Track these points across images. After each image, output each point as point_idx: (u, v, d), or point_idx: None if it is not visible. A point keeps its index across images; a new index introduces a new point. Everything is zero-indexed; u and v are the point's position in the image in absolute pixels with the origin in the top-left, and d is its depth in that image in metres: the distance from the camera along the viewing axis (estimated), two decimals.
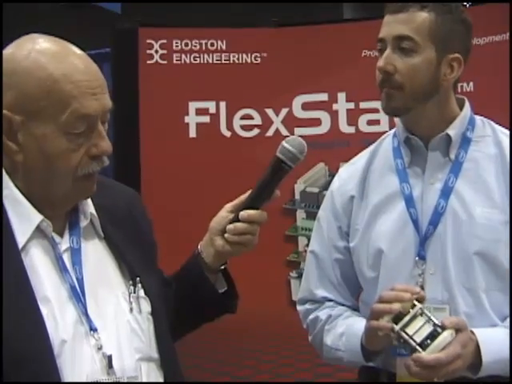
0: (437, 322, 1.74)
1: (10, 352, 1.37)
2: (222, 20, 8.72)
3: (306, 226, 6.64)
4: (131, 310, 1.57)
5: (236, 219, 1.68)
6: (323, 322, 2.06)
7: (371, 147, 2.12)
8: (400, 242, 1.94)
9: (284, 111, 6.74)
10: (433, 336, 1.72)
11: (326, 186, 6.80)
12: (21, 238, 1.47)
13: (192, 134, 6.77)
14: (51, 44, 1.48)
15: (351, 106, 6.65)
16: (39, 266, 1.48)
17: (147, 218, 1.77)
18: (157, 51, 6.79)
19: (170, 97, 6.68)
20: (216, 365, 5.79)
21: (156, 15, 9.91)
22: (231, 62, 6.84)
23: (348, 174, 2.10)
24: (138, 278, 1.60)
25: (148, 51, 6.79)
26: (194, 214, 6.20)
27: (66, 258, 1.52)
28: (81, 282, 1.51)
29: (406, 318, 1.74)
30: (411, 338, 1.72)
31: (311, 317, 2.10)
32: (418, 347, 1.71)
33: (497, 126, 2.02)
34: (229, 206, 1.73)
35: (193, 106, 6.76)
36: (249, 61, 6.84)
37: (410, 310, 1.74)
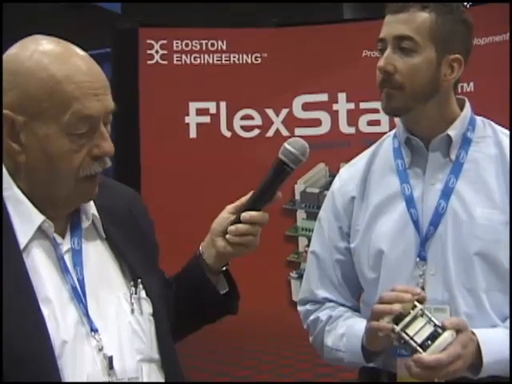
0: (437, 322, 1.74)
1: (10, 352, 1.37)
2: (222, 20, 8.72)
3: (307, 226, 6.65)
4: (132, 311, 1.57)
5: (237, 220, 1.68)
6: (324, 322, 2.06)
7: (372, 148, 2.11)
8: (400, 242, 1.94)
9: (284, 111, 6.75)
10: (433, 337, 1.72)
11: (327, 187, 6.82)
12: (22, 238, 1.47)
13: (192, 134, 6.78)
14: (54, 45, 1.48)
15: (351, 106, 6.66)
16: (40, 266, 1.48)
17: (148, 218, 1.77)
18: (157, 51, 6.79)
19: (170, 97, 6.68)
20: (216, 365, 5.80)
21: (156, 15, 9.92)
22: (231, 62, 6.84)
23: (349, 174, 2.10)
24: (139, 279, 1.60)
25: (148, 51, 6.79)
26: (194, 214, 6.22)
27: (68, 258, 1.52)
28: (82, 282, 1.51)
29: (407, 319, 1.74)
30: (412, 338, 1.72)
31: (312, 317, 2.10)
32: (418, 348, 1.71)
33: (497, 127, 2.02)
34: (230, 207, 1.73)
35: (193, 106, 6.77)
36: (249, 61, 6.84)
37: (411, 311, 1.74)
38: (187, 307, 1.76)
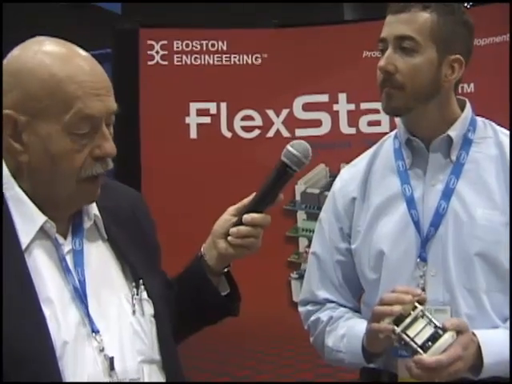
0: (438, 323, 1.74)
1: (11, 352, 1.38)
2: (222, 21, 8.72)
3: (307, 226, 6.64)
4: (134, 312, 1.57)
5: (239, 222, 1.68)
6: (324, 323, 2.06)
7: (372, 149, 2.12)
8: (401, 243, 1.94)
9: (285, 112, 6.74)
10: (434, 338, 1.72)
11: (327, 187, 6.81)
12: (24, 238, 1.47)
13: (193, 134, 6.77)
14: (57, 46, 1.49)
15: (352, 106, 6.64)
16: (42, 267, 1.48)
17: (150, 219, 1.77)
18: (157, 52, 6.78)
19: (170, 97, 6.67)
20: (217, 366, 5.80)
21: (156, 16, 9.92)
22: (232, 62, 6.83)
23: (349, 175, 2.10)
24: (140, 280, 1.60)
25: (149, 52, 6.78)
26: (195, 214, 6.21)
27: (69, 259, 1.52)
28: (82, 283, 1.51)
29: (407, 320, 1.74)
30: (412, 340, 1.72)
31: (312, 318, 2.10)
32: (419, 349, 1.71)
33: (498, 127, 2.02)
34: (232, 208, 1.73)
35: (193, 106, 6.76)
36: (249, 62, 6.83)
37: (411, 312, 1.74)
38: (188, 308, 1.76)
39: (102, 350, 1.48)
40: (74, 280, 1.50)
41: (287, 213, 6.58)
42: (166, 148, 6.64)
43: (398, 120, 2.02)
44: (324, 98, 6.70)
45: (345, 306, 2.08)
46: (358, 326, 1.97)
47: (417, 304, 1.76)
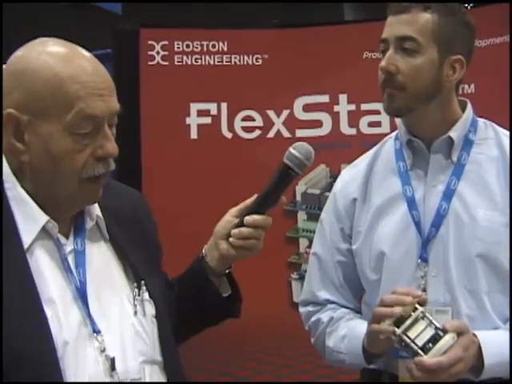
0: (438, 325, 1.74)
1: (13, 352, 1.38)
2: (223, 21, 8.72)
3: (307, 227, 6.64)
4: (135, 312, 1.57)
5: (241, 224, 1.68)
6: (325, 324, 2.06)
7: (373, 149, 2.12)
8: (402, 244, 1.94)
9: (285, 113, 6.73)
10: (434, 339, 1.72)
11: (327, 188, 6.81)
12: (26, 238, 1.48)
13: (193, 135, 6.76)
14: (60, 47, 1.50)
15: (352, 107, 6.64)
16: (44, 267, 1.48)
17: (152, 219, 1.78)
18: (158, 52, 6.78)
19: (171, 98, 6.67)
20: (217, 366, 5.80)
21: (156, 16, 9.91)
22: (232, 63, 6.83)
23: (350, 176, 2.10)
24: (142, 281, 1.60)
25: (149, 52, 6.78)
26: (195, 215, 6.22)
27: (71, 259, 1.53)
28: (84, 284, 1.51)
29: (408, 322, 1.73)
30: (413, 341, 1.72)
31: (313, 319, 2.10)
32: (419, 351, 1.71)
33: (499, 128, 2.02)
34: (234, 210, 1.74)
35: (194, 107, 6.75)
36: (250, 62, 6.83)
37: (412, 314, 1.74)
38: (190, 309, 1.76)
39: (103, 351, 1.48)
40: (76, 280, 1.50)
41: (288, 213, 6.57)
42: (167, 148, 6.64)
43: (398, 121, 2.02)
44: (324, 98, 6.70)
45: (346, 307, 2.08)
46: (358, 327, 1.97)
47: (417, 305, 1.75)
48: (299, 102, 6.73)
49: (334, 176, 6.40)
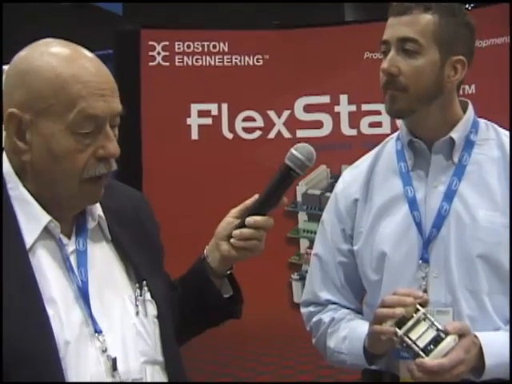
0: (440, 326, 1.74)
1: (15, 352, 1.38)
2: (223, 22, 8.72)
3: (308, 228, 6.64)
4: (137, 313, 1.57)
5: (242, 225, 1.68)
6: (326, 324, 2.06)
7: (374, 150, 2.12)
8: (403, 244, 1.94)
9: (286, 113, 6.74)
10: (436, 341, 1.72)
11: (328, 188, 6.80)
12: (28, 238, 1.48)
13: (194, 135, 6.77)
14: (64, 47, 1.51)
15: (353, 108, 6.65)
16: (46, 267, 1.48)
17: (154, 220, 1.78)
18: (159, 53, 6.79)
19: (171, 99, 6.68)
20: (218, 367, 5.80)
21: (157, 17, 9.92)
22: (233, 64, 6.83)
23: (352, 176, 2.10)
24: (144, 281, 1.61)
25: (150, 53, 6.79)
26: (196, 215, 6.22)
27: (73, 259, 1.53)
28: (85, 284, 1.51)
29: (410, 323, 1.73)
30: (414, 342, 1.72)
31: (314, 319, 2.10)
32: (421, 352, 1.71)
33: (500, 129, 2.02)
34: (234, 211, 1.74)
35: (195, 107, 6.76)
36: (251, 63, 6.83)
37: (414, 315, 1.74)
38: (191, 310, 1.76)
39: (104, 351, 1.49)
40: (78, 280, 1.50)
41: (288, 214, 6.58)
42: (168, 149, 6.64)
43: (400, 122, 2.02)
44: (325, 99, 6.70)
45: (347, 308, 2.08)
46: (359, 328, 1.97)
47: (419, 307, 1.75)
48: (300, 103, 6.74)
49: (335, 177, 6.41)
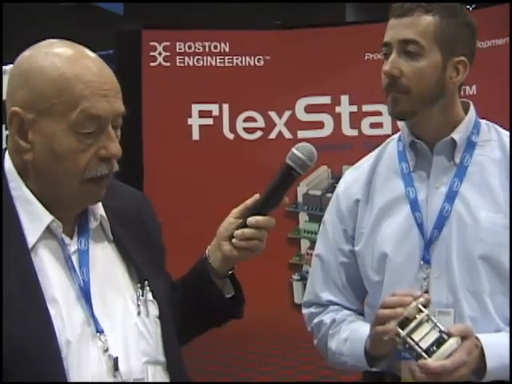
0: (443, 328, 1.73)
1: (17, 352, 1.38)
2: (224, 22, 8.72)
3: (309, 228, 6.64)
4: (139, 313, 1.58)
5: (244, 225, 1.69)
6: (327, 326, 2.06)
7: (376, 151, 2.12)
8: (405, 245, 1.94)
9: (287, 114, 6.73)
10: (439, 343, 1.72)
11: (329, 189, 6.79)
12: (31, 237, 1.48)
13: (195, 136, 6.76)
14: (67, 48, 1.51)
15: (354, 108, 6.64)
16: (48, 266, 1.49)
17: (156, 220, 1.78)
18: (160, 53, 6.78)
19: (173, 99, 6.67)
20: (219, 367, 5.80)
21: (158, 17, 9.92)
22: (234, 64, 6.83)
23: (353, 177, 2.10)
24: (146, 282, 1.61)
25: (151, 53, 6.78)
26: (197, 216, 6.22)
27: (75, 259, 1.53)
28: (87, 283, 1.51)
29: (412, 324, 1.73)
30: (417, 344, 1.72)
31: (316, 320, 2.10)
32: (423, 354, 1.71)
33: (502, 130, 2.02)
34: (235, 211, 1.74)
35: (196, 108, 6.75)
36: (252, 63, 6.83)
37: (417, 316, 1.74)
38: (193, 310, 1.76)
39: (106, 350, 1.49)
40: (80, 280, 1.51)
41: (289, 214, 6.57)
42: (169, 149, 6.64)
43: (401, 122, 2.02)
44: (326, 99, 6.70)
45: (348, 308, 2.08)
46: (360, 330, 1.97)
47: (422, 308, 1.75)
48: (301, 103, 6.73)
49: (336, 177, 6.40)
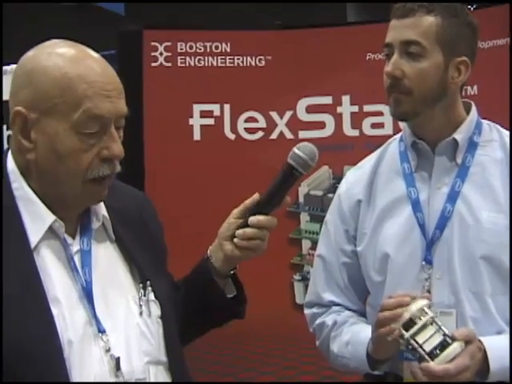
0: (447, 331, 1.73)
1: (19, 352, 1.39)
2: (226, 22, 8.72)
3: (310, 228, 6.64)
4: (141, 313, 1.58)
5: (245, 224, 1.69)
6: (329, 328, 2.06)
7: (377, 151, 2.12)
8: (407, 246, 1.94)
9: (288, 114, 6.73)
10: (442, 346, 1.71)
11: (330, 189, 6.79)
12: (33, 237, 1.49)
13: (196, 136, 6.77)
14: (70, 48, 1.52)
15: (355, 109, 6.64)
16: (51, 266, 1.49)
17: (158, 221, 1.78)
18: (161, 53, 6.79)
19: (174, 99, 6.67)
20: (221, 367, 5.80)
21: (159, 17, 9.91)
22: (235, 64, 6.83)
23: (355, 177, 2.10)
24: (148, 282, 1.61)
25: (152, 53, 6.79)
26: (198, 216, 6.22)
27: (77, 259, 1.53)
28: (89, 283, 1.51)
29: (417, 326, 1.72)
30: (421, 346, 1.71)
31: (318, 322, 2.10)
32: (426, 356, 1.70)
33: (503, 131, 2.02)
34: (236, 211, 1.74)
35: (197, 108, 6.75)
36: (253, 63, 6.83)
37: (422, 318, 1.73)
38: (195, 310, 1.76)
39: (108, 350, 1.49)
40: (82, 280, 1.51)
41: (290, 214, 6.57)
42: (170, 149, 6.64)
43: (403, 122, 2.02)
44: (327, 100, 6.70)
45: (350, 309, 2.08)
46: (362, 332, 1.96)
47: (427, 310, 1.75)
48: (302, 104, 6.73)
49: (337, 177, 6.40)
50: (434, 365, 1.70)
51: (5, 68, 5.60)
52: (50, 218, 1.50)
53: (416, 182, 1.97)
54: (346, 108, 6.67)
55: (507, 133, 2.01)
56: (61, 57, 1.48)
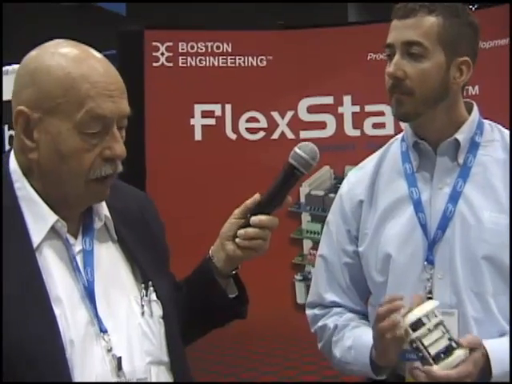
0: (453, 336, 1.73)
1: (21, 351, 1.39)
2: (227, 22, 8.72)
3: (311, 228, 6.64)
4: (143, 313, 1.58)
5: (247, 224, 1.69)
6: (331, 331, 2.05)
7: (379, 151, 2.12)
8: (408, 246, 1.94)
9: (289, 114, 6.73)
10: (447, 351, 1.72)
11: (331, 189, 6.78)
12: (35, 237, 1.49)
13: (197, 136, 6.76)
14: (74, 48, 1.52)
15: (356, 109, 6.63)
16: (53, 266, 1.49)
17: (159, 221, 1.79)
18: (163, 54, 6.79)
19: (175, 99, 6.67)
20: (222, 367, 5.80)
21: (161, 17, 9.92)
22: (237, 64, 6.83)
23: (357, 178, 2.10)
24: (150, 282, 1.61)
25: (154, 53, 6.79)
26: (199, 216, 6.22)
27: (80, 259, 1.54)
28: (91, 283, 1.52)
29: (424, 328, 1.72)
30: (426, 348, 1.71)
31: (319, 324, 2.09)
32: (430, 360, 1.71)
33: (505, 131, 2.02)
34: (237, 211, 1.74)
35: (198, 108, 6.75)
36: (254, 64, 6.83)
37: (431, 320, 1.73)
38: (196, 311, 1.76)
39: (109, 350, 1.49)
40: (84, 280, 1.51)
41: (292, 215, 6.57)
42: (171, 149, 6.64)
43: (405, 123, 2.02)
44: (329, 100, 6.69)
45: (352, 309, 2.08)
46: (364, 336, 1.96)
47: (437, 313, 1.75)
48: (303, 104, 6.73)
49: (338, 177, 6.40)
50: (438, 369, 1.70)
51: (5, 68, 5.60)
52: (52, 217, 1.51)
53: (418, 182, 1.97)
54: (348, 108, 6.67)
55: (508, 132, 2.01)
56: (64, 57, 1.48)
